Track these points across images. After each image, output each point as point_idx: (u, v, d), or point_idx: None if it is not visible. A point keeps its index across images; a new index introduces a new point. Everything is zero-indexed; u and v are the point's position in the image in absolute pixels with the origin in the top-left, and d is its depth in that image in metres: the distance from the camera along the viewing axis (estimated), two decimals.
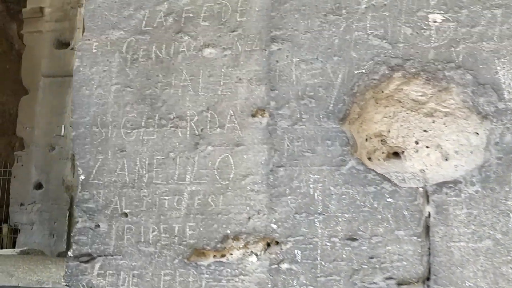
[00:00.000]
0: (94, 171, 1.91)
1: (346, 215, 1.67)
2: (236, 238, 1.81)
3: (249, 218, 1.80)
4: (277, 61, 1.81)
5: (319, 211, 1.70)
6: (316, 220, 1.69)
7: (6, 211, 8.32)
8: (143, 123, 1.92)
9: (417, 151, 1.81)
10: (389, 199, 1.65)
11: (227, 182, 1.83)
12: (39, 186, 7.84)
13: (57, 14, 7.86)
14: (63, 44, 7.84)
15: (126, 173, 1.90)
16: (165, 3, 1.96)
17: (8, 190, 8.27)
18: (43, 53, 7.89)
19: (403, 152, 1.84)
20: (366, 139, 1.81)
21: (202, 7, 1.94)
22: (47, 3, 7.95)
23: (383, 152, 1.86)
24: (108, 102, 1.94)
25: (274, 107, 1.79)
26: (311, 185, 1.71)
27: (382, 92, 1.75)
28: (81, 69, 1.98)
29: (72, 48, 7.68)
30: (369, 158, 1.82)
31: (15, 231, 8.14)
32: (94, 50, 1.97)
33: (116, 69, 1.95)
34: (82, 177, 1.92)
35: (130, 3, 1.98)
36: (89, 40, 2.00)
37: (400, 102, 1.78)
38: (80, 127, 1.95)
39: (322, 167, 1.71)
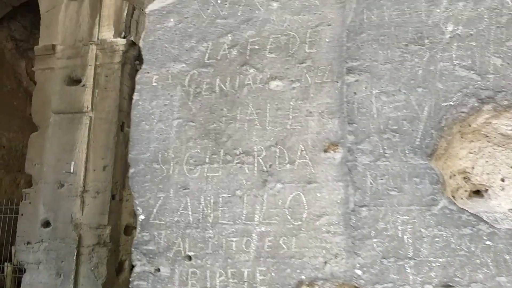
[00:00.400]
0: (154, 210, 1.78)
1: (440, 260, 1.53)
2: (311, 284, 1.67)
3: (325, 262, 1.66)
4: (354, 93, 1.71)
5: (409, 256, 1.56)
6: (406, 265, 1.56)
7: (10, 249, 8.07)
8: (207, 159, 1.80)
9: (503, 189, 1.69)
10: (488, 242, 1.52)
11: (299, 222, 1.70)
12: (46, 224, 7.63)
13: (69, 51, 7.84)
14: (74, 81, 7.78)
15: (190, 213, 1.76)
16: (229, 35, 1.88)
17: (14, 228, 8.04)
18: (54, 89, 7.82)
19: (486, 190, 1.72)
20: (450, 176, 1.70)
21: (268, 39, 1.85)
22: (59, 40, 7.94)
23: (465, 190, 1.74)
24: (170, 138, 1.83)
25: (353, 141, 1.68)
26: (399, 227, 1.58)
27: (469, 126, 1.65)
28: (140, 103, 1.88)
29: (84, 85, 7.65)
30: (453, 197, 1.70)
31: (19, 270, 7.87)
32: (154, 84, 1.88)
33: (178, 103, 1.85)
34: (142, 217, 1.78)
35: (191, 35, 1.90)
36: (148, 73, 1.90)
37: (487, 136, 1.67)
38: (140, 163, 1.83)
39: (410, 207, 1.58)
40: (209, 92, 1.85)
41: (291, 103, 1.80)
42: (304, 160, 1.75)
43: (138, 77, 1.92)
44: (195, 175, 1.79)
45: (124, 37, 7.59)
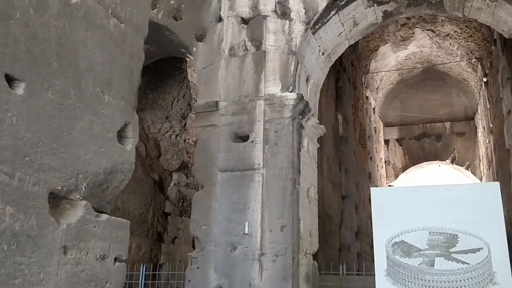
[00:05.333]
0: None
1: None
2: None
3: None
4: None
5: None
6: None
7: None
8: None
9: None
10: None
11: None
12: None
13: (233, 107, 7.55)
14: (239, 138, 7.44)
15: None
16: None
17: None
18: (219, 147, 7.47)
19: None
20: None
21: None
22: (221, 97, 7.68)
23: None
24: None
25: None
26: None
27: None
28: None
29: (253, 141, 7.30)
30: None
31: None
32: None
33: None
34: None
35: None
36: None
37: None
38: None
39: None
40: None
41: None
42: None
43: None
44: None
45: (291, 91, 7.33)
